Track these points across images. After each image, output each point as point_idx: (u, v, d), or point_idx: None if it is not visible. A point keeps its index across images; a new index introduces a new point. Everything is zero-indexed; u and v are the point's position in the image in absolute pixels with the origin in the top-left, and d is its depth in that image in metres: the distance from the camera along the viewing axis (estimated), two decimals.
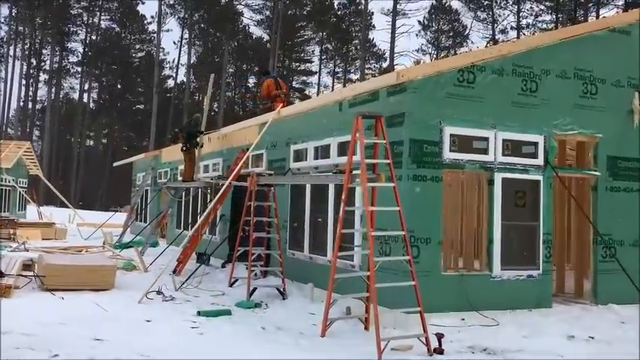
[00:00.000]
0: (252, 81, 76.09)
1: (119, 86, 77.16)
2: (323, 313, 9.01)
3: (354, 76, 68.01)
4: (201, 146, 16.36)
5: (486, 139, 9.30)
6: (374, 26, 60.93)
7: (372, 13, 60.54)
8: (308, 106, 12.10)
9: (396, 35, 52.47)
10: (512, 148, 9.50)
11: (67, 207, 37.23)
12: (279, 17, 56.53)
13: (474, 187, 9.85)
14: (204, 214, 12.86)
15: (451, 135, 9.02)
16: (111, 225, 29.85)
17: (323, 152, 11.31)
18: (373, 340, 7.13)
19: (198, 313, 9.08)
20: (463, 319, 8.51)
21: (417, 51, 58.06)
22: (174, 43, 69.65)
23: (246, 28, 68.38)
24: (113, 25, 74.18)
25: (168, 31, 66.33)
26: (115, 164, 32.80)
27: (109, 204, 67.15)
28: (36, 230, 21.82)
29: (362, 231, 8.71)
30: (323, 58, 66.48)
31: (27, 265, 12.60)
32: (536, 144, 9.65)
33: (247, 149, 14.50)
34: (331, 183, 9.63)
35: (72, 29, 72.34)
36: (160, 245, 19.87)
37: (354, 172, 8.32)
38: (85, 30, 72.45)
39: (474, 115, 9.19)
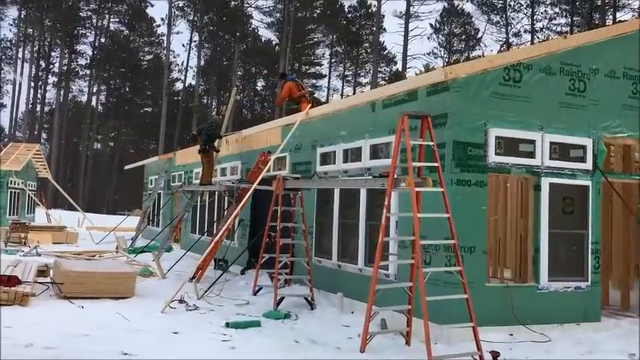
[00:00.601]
0: (260, 84, 75.87)
1: (127, 89, 76.92)
2: (363, 327, 8.50)
3: (363, 80, 67.67)
4: (218, 151, 15.87)
5: (533, 141, 8.76)
6: (385, 29, 60.46)
7: (384, 15, 60.15)
8: (336, 108, 11.59)
9: (409, 38, 51.96)
10: (560, 151, 8.95)
11: (76, 210, 36.84)
12: (289, 20, 56.09)
13: (517, 193, 9.29)
14: (230, 218, 12.34)
15: (497, 137, 8.49)
16: (121, 229, 29.47)
17: (353, 155, 10.80)
18: (417, 357, 6.60)
19: (227, 325, 8.57)
20: (511, 335, 7.96)
21: (429, 54, 57.63)
22: (184, 45, 69.70)
23: (256, 30, 68.05)
24: (122, 28, 73.97)
25: (178, 33, 65.98)
26: (126, 167, 32.36)
27: (117, 207, 66.95)
28: (47, 234, 21.36)
29: (405, 239, 8.15)
30: (333, 61, 66.03)
31: (41, 271, 12.14)
32: (584, 147, 9.10)
33: (269, 152, 14.03)
34: (371, 187, 9.04)
35: (81, 32, 72.11)
36: (174, 250, 19.41)
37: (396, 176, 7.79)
38: (93, 32, 72.25)
39: (520, 116, 8.66)
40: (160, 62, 75.61)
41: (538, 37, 51.85)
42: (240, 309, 10.28)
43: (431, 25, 56.81)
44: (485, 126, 8.42)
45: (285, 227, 11.06)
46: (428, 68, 51.67)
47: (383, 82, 57.90)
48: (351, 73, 66.41)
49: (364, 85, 66.39)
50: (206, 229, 17.66)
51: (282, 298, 10.22)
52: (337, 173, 11.15)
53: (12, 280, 9.49)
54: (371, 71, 66.17)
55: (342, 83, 67.93)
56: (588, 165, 9.11)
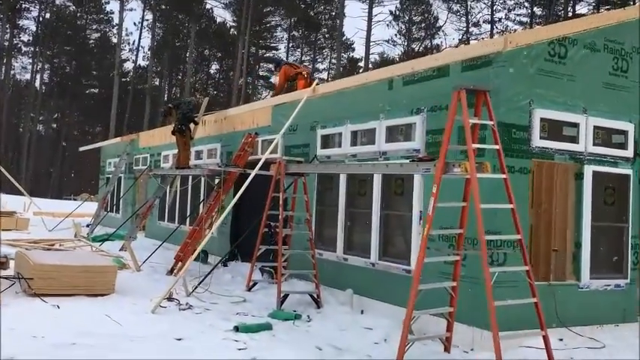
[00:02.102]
0: (214, 67, 73.69)
1: (72, 68, 73.21)
2: (386, 330, 7.58)
3: (320, 66, 66.50)
4: (192, 138, 14.52)
5: (576, 125, 7.93)
6: (344, 14, 59.26)
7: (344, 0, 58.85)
8: (341, 86, 10.50)
9: (373, 24, 50.99)
10: (603, 137, 8.17)
11: (21, 194, 34.48)
12: (249, 1, 54.26)
13: (554, 181, 8.47)
14: (210, 204, 11.12)
15: (541, 119, 7.62)
16: (74, 215, 27.62)
17: (364, 138, 9.78)
18: None
19: (236, 329, 7.43)
20: (561, 340, 7.14)
21: (388, 42, 56.84)
22: (135, 24, 66.62)
23: (210, 11, 65.78)
24: (68, 3, 70.18)
25: (132, 10, 62.99)
26: (81, 149, 30.33)
27: (62, 192, 63.90)
28: None
29: (449, 232, 7.19)
30: (290, 45, 64.54)
31: (1, 263, 10.70)
32: (626, 133, 8.35)
33: (256, 133, 12.89)
34: (408, 173, 7.99)
35: (24, 5, 68.05)
36: (139, 239, 17.92)
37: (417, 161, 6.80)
38: (38, 7, 68.29)
39: (564, 97, 7.81)
40: (108, 41, 72.40)
41: (497, 28, 51.91)
42: (238, 307, 9.17)
43: (391, 12, 56.11)
44: (530, 106, 7.53)
45: (277, 216, 9.99)
46: (463, 41, 49.86)
47: (341, 69, 56.97)
48: (308, 58, 65.04)
49: (321, 72, 65.25)
50: (183, 217, 16.37)
51: (286, 296, 9.15)
52: (343, 157, 10.10)
53: None
54: (328, 57, 65.19)
55: None
56: (629, 152, 8.37)
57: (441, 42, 56.75)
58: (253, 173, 9.74)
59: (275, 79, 13.25)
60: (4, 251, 12.16)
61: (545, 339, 6.03)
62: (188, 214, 15.21)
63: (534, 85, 7.56)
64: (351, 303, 9.33)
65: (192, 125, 14.17)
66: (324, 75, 64.82)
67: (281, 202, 9.56)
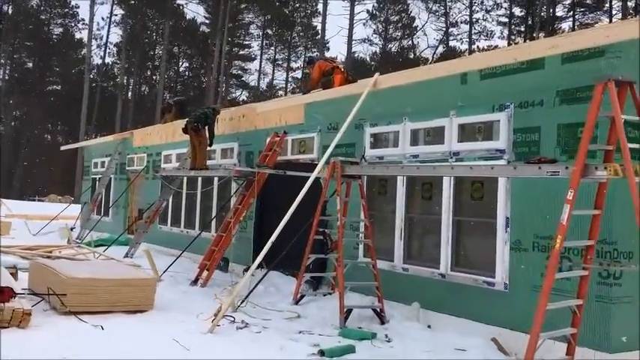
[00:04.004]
0: (184, 66, 71.89)
1: (34, 65, 70.39)
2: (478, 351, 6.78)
3: (294, 65, 65.52)
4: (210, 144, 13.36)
5: None
6: (319, 13, 58.53)
7: None
8: (398, 81, 9.63)
9: (355, 22, 50.29)
10: None
11: None
12: None
13: None
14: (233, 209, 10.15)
15: None
16: (45, 217, 26.16)
17: (429, 137, 8.97)
18: None
19: (322, 353, 6.54)
20: None
21: (364, 41, 56.25)
22: (103, 19, 64.27)
23: (181, 7, 64.07)
24: None
25: (103, 3, 60.82)
26: (62, 148, 28.68)
27: (23, 193, 61.26)
28: None
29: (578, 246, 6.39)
30: (265, 43, 63.37)
31: (11, 275, 9.53)
32: None
33: (285, 132, 11.96)
34: (521, 176, 7.01)
35: None
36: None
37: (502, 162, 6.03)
38: None
39: None
40: (72, 37, 69.91)
41: (475, 28, 51.86)
42: (295, 324, 8.24)
43: (367, 11, 55.56)
44: None
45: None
46: (442, 41, 48.66)
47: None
48: (282, 56, 64.00)
49: (295, 70, 64.28)
50: (189, 222, 15.31)
51: (349, 311, 8.26)
52: (401, 158, 9.28)
53: (6, 293, 6.97)
54: (302, 56, 64.25)
55: (273, 67, 65.44)
56: None
57: (418, 42, 56.50)
58: (313, 176, 8.81)
59: (312, 73, 12.25)
60: (11, 261, 10.99)
61: None
62: (196, 217, 14.08)
63: None
64: (417, 318, 8.51)
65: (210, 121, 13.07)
66: (299, 74, 63.87)
67: (339, 206, 8.67)
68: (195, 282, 11.18)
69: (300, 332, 7.76)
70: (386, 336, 7.58)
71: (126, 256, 14.24)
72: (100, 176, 20.46)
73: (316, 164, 11.10)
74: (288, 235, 11.27)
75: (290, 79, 63.53)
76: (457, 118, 8.39)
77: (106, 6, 61.56)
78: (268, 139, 12.29)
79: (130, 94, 66.89)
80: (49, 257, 13.30)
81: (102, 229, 19.11)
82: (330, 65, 11.82)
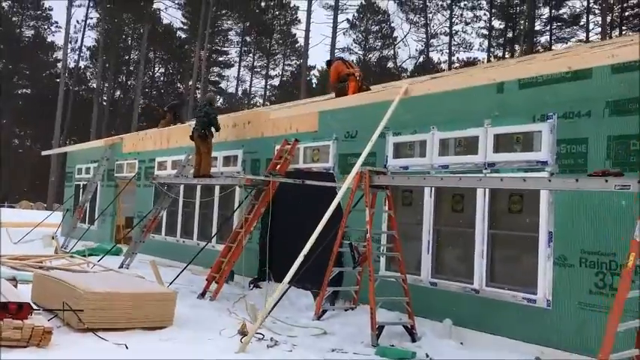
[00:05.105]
0: (160, 71, 70.87)
1: (3, 67, 68.55)
2: None
3: (272, 72, 65.13)
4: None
5: None
6: (299, 21, 58.32)
7: (297, 7, 57.94)
8: (424, 89, 9.32)
9: (337, 31, 50.09)
10: None
11: None
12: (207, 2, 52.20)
13: None
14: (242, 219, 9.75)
15: None
16: (23, 225, 25.27)
17: (459, 147, 8.69)
18: None
19: None
20: None
21: (344, 50, 56.13)
22: (78, 22, 62.95)
23: (157, 12, 63.16)
24: None
25: (80, 6, 59.56)
26: (44, 153, 27.73)
27: None
28: None
29: None
30: (244, 50, 62.78)
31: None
32: None
33: (296, 140, 11.58)
34: (600, 190, 6.61)
35: None
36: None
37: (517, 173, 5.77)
38: None
39: None
40: (43, 40, 68.36)
41: (455, 40, 52.19)
42: (323, 341, 7.83)
43: (348, 20, 55.52)
44: None
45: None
46: (422, 52, 48.06)
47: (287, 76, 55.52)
48: (263, 63, 63.49)
49: (273, 78, 63.88)
50: (186, 231, 14.78)
51: (381, 328, 7.88)
52: (428, 168, 8.98)
53: (25, 310, 6.43)
54: (280, 63, 63.94)
55: (251, 74, 64.86)
56: None
57: (397, 52, 56.59)
58: (344, 186, 8.40)
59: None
60: (7, 273, 10.37)
61: None
62: (194, 226, 13.55)
63: None
64: (449, 334, 8.17)
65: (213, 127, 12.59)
66: (277, 82, 63.54)
67: (368, 217, 8.30)
68: (202, 295, 10.69)
69: (332, 350, 7.38)
70: (427, 355, 7.22)
71: (121, 266, 13.65)
72: (84, 183, 19.74)
73: (332, 173, 10.82)
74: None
75: (269, 86, 63.11)
76: (492, 127, 8.13)
77: (80, 9, 60.27)
78: (277, 147, 11.89)
79: (104, 98, 65.64)
80: (41, 268, 12.67)
81: (87, 238, 18.43)
82: (345, 71, 11.47)
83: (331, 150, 10.86)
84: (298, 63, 61.87)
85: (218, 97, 58.00)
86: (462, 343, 7.99)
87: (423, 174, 8.91)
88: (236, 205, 13.02)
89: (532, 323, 7.42)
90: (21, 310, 6.38)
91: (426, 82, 10.16)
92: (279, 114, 11.75)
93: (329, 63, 12.61)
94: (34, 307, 6.91)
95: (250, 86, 64.43)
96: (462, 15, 51.99)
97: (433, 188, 8.86)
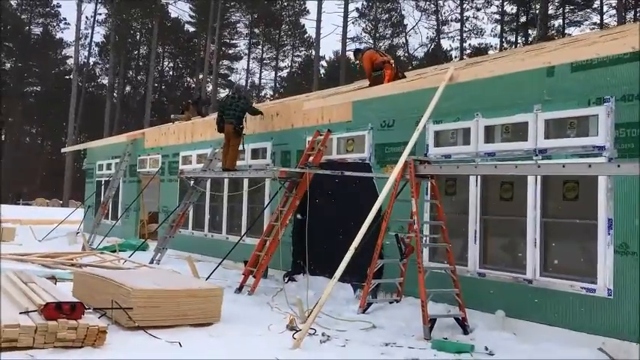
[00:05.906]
0: (169, 65, 70.73)
1: (9, 65, 68.59)
2: None
3: (281, 64, 64.87)
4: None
5: None
6: (307, 11, 57.99)
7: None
8: (467, 75, 9.07)
9: (349, 20, 49.67)
10: None
11: None
12: None
13: None
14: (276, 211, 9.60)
15: None
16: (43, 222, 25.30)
17: (507, 133, 8.46)
18: None
19: None
20: None
21: (353, 40, 55.73)
22: (87, 18, 62.79)
23: (166, 6, 62.90)
24: None
25: (90, 1, 59.38)
26: (63, 150, 27.67)
27: (7, 196, 59.56)
28: None
29: None
30: (253, 42, 62.50)
31: None
32: None
33: (329, 130, 11.39)
34: None
35: None
36: (151, 248, 15.89)
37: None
38: None
39: None
40: (52, 37, 68.33)
41: (466, 27, 51.73)
42: (374, 335, 7.67)
43: (357, 9, 55.07)
44: None
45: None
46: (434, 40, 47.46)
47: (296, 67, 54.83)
48: (272, 54, 63.19)
49: (282, 69, 63.61)
50: (213, 225, 14.64)
51: (433, 320, 7.71)
52: (473, 157, 8.76)
53: (78, 310, 6.30)
54: (289, 54, 63.64)
55: (261, 66, 64.64)
56: None
57: (407, 40, 56.20)
58: (392, 177, 8.19)
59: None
60: (46, 271, 10.28)
61: None
62: (223, 220, 13.37)
63: None
64: (502, 326, 7.99)
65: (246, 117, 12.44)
66: (286, 73, 63.26)
67: (415, 208, 8.10)
68: (240, 289, 10.55)
69: (386, 344, 7.20)
70: (486, 348, 7.03)
71: (151, 262, 13.55)
72: (105, 179, 19.65)
73: (367, 164, 10.63)
74: (335, 238, 10.74)
75: (278, 78, 62.84)
76: (543, 113, 7.90)
77: (89, 5, 60.13)
78: (309, 138, 11.71)
79: (115, 94, 65.62)
80: (73, 265, 12.60)
81: (112, 234, 18.34)
82: (380, 59, 11.26)
83: (367, 140, 10.66)
84: (307, 54, 61.58)
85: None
86: (514, 334, 7.81)
87: (468, 162, 8.70)
88: (266, 198, 12.87)
89: (592, 313, 7.21)
90: (74, 309, 6.25)
91: (474, 66, 9.92)
92: (312, 104, 11.55)
93: (356, 53, 12.38)
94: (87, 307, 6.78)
95: (260, 78, 64.24)
96: (473, 0, 51.49)
97: (479, 177, 8.65)
